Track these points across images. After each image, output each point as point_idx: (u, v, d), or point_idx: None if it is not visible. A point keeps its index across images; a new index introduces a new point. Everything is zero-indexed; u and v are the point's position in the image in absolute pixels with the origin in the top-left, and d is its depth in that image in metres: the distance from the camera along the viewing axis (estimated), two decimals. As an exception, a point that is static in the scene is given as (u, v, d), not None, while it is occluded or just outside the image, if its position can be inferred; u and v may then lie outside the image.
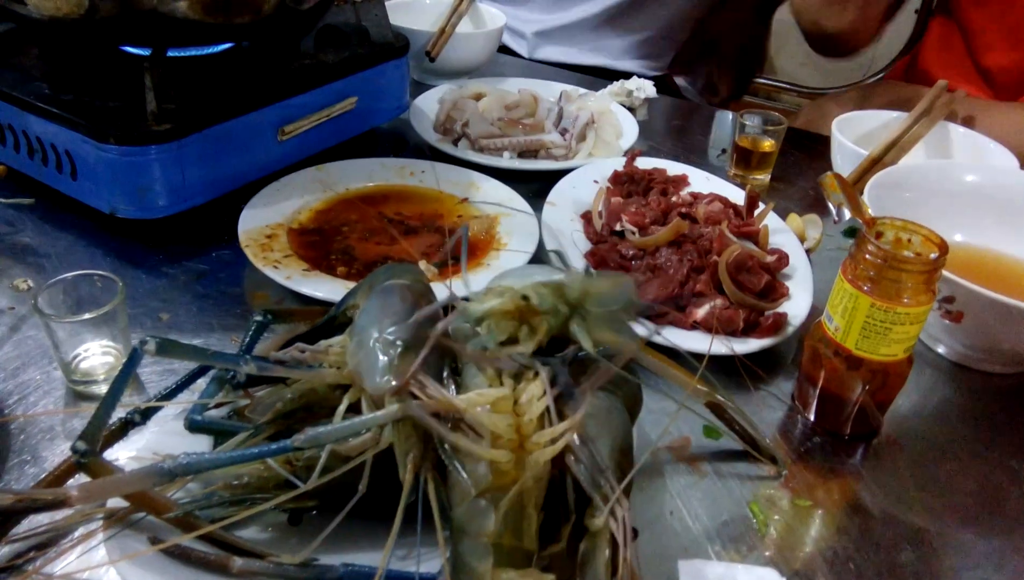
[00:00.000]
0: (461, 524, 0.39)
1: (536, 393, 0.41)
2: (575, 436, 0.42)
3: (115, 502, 0.43)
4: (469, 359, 0.44)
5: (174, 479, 0.40)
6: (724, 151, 0.98)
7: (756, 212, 0.75)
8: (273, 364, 0.47)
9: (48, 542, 0.45)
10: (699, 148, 1.00)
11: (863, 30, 1.03)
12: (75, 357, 0.56)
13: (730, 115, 1.02)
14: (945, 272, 0.57)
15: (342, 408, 0.44)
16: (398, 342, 0.44)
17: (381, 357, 0.44)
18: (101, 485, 0.41)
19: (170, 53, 0.74)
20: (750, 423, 0.55)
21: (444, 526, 0.39)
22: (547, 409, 0.41)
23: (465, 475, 0.39)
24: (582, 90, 1.03)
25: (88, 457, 0.42)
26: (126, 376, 0.45)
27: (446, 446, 0.40)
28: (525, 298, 0.43)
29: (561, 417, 0.41)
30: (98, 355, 0.57)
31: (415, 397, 0.40)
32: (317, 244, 0.72)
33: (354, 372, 0.45)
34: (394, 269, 0.53)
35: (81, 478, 0.45)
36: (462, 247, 0.54)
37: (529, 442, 0.39)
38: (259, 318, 0.53)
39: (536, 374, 0.42)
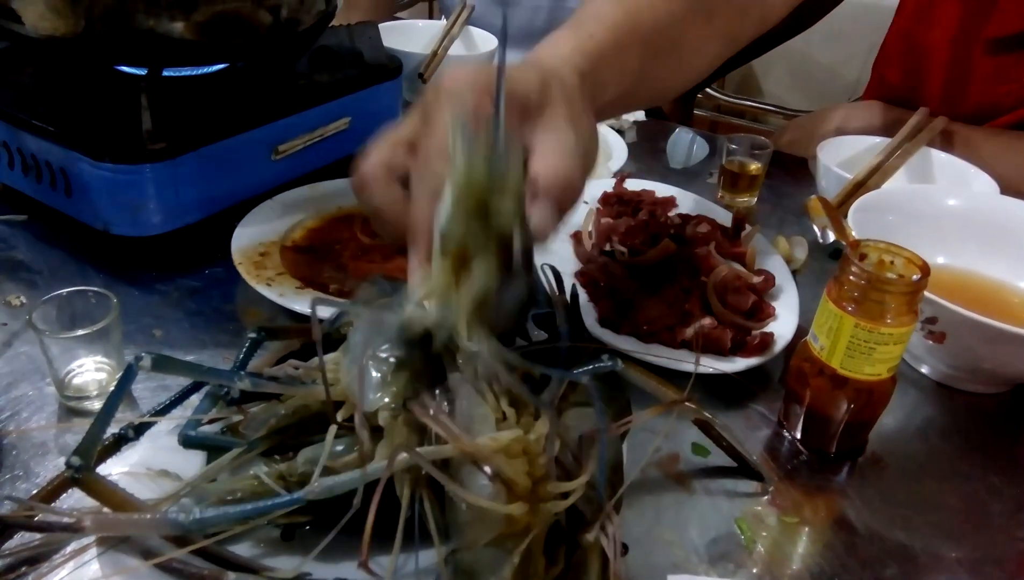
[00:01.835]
0: (470, 568, 0.38)
1: (542, 431, 0.41)
2: (568, 453, 0.42)
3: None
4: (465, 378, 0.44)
5: (183, 532, 0.40)
6: (712, 174, 1.00)
7: (743, 233, 0.77)
8: (267, 380, 0.47)
9: (40, 556, 0.45)
10: (686, 170, 1.02)
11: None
12: (68, 373, 0.56)
13: (689, 133, 1.04)
14: (927, 293, 0.58)
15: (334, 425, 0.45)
16: (391, 359, 0.45)
17: (374, 374, 0.44)
18: (115, 520, 0.41)
19: (166, 73, 0.75)
20: (736, 440, 0.56)
21: (441, 542, 0.39)
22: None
23: (467, 507, 0.39)
24: (571, 112, 1.04)
25: (82, 472, 0.42)
26: (121, 392, 0.45)
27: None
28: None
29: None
30: (91, 371, 0.57)
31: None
32: (310, 262, 0.72)
33: (347, 389, 0.45)
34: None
35: (74, 493, 0.45)
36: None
37: (543, 488, 0.38)
38: (253, 335, 0.53)
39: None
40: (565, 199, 0.47)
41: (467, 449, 0.38)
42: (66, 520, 0.40)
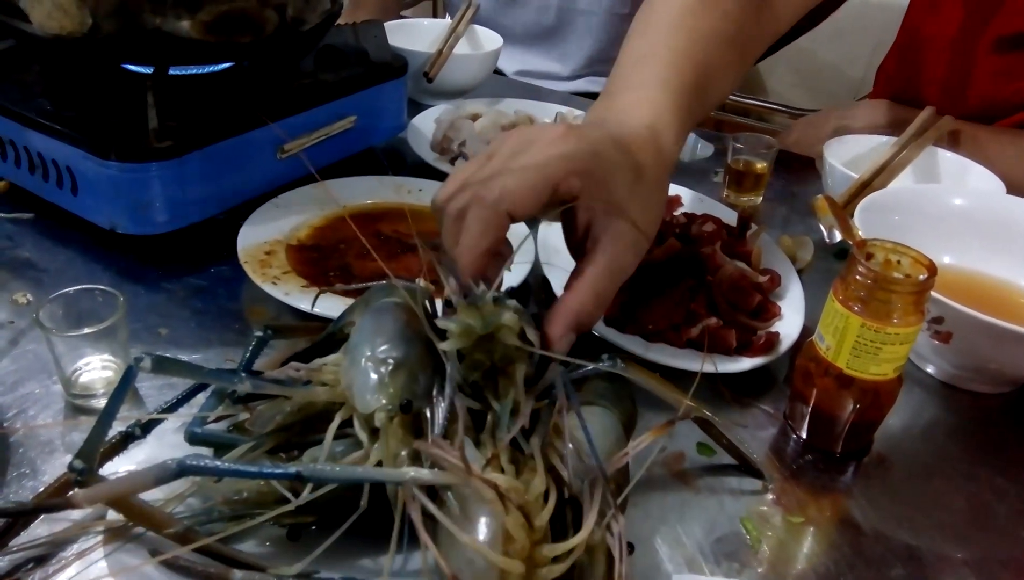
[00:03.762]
0: None
1: (540, 489, 0.40)
2: (573, 450, 0.42)
3: (115, 517, 0.43)
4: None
5: (178, 476, 0.40)
6: (717, 173, 1.00)
7: (748, 233, 0.76)
8: (268, 382, 0.47)
9: (47, 555, 0.45)
10: (692, 169, 1.02)
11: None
12: (75, 371, 0.56)
13: (693, 137, 1.05)
14: (934, 293, 0.58)
15: (334, 425, 0.45)
16: (389, 360, 0.45)
17: (372, 375, 0.45)
18: (106, 487, 0.41)
19: (172, 71, 0.75)
20: (737, 438, 0.56)
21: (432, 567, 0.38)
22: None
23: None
24: (577, 112, 1.04)
25: (85, 475, 0.42)
26: (122, 393, 0.45)
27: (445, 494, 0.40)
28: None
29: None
30: (98, 369, 0.57)
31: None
32: (315, 261, 0.73)
33: (346, 390, 0.46)
34: (390, 287, 0.53)
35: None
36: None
37: (539, 552, 0.38)
38: (260, 334, 0.53)
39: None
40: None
41: (478, 490, 0.38)
42: (57, 501, 0.40)
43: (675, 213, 0.81)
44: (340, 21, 0.88)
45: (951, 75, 1.02)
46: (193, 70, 0.79)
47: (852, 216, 0.71)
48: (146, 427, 0.49)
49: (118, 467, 0.48)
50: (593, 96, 1.27)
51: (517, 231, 0.76)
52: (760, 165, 0.91)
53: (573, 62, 1.39)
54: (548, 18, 1.36)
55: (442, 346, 0.44)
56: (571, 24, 1.36)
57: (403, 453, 0.42)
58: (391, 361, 0.45)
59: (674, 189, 0.87)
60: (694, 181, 0.94)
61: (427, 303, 0.52)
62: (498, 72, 1.36)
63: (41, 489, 0.47)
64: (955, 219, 0.77)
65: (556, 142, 0.50)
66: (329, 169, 0.84)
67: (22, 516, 0.45)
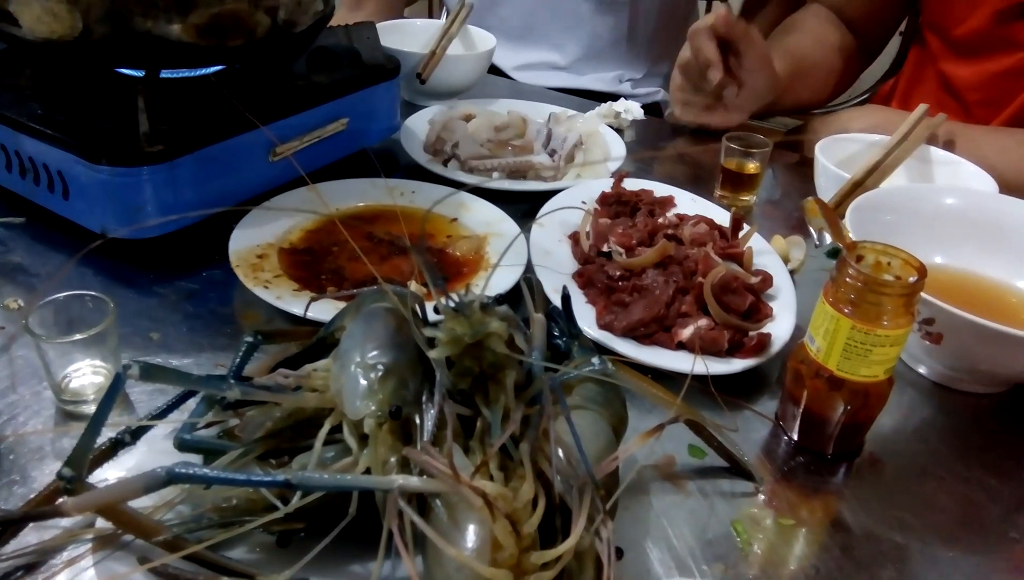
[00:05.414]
0: None
1: (529, 496, 0.40)
2: (561, 454, 0.42)
3: (104, 525, 0.43)
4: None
5: (167, 484, 0.39)
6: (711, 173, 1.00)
7: (741, 234, 0.76)
8: (257, 389, 0.47)
9: (36, 563, 0.45)
10: (685, 170, 1.02)
11: (819, 100, 1.22)
12: (65, 377, 0.56)
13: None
14: (925, 294, 0.58)
15: (323, 431, 0.45)
16: (379, 366, 0.45)
17: (361, 381, 0.44)
18: (95, 495, 0.41)
19: (163, 75, 0.75)
20: (728, 440, 0.56)
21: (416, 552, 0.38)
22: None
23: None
24: (570, 112, 1.04)
25: (74, 483, 0.42)
26: (110, 401, 0.45)
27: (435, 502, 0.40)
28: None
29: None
30: (88, 375, 0.57)
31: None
32: (308, 264, 0.72)
33: (335, 396, 0.45)
34: (382, 291, 0.53)
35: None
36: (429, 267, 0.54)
37: (527, 559, 0.38)
38: (250, 339, 0.53)
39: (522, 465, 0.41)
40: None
41: (465, 496, 0.38)
42: (46, 509, 0.40)
43: (667, 214, 0.81)
44: (337, 20, 0.88)
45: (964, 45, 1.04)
46: (184, 73, 0.79)
47: (845, 216, 0.71)
48: (136, 434, 0.48)
49: (108, 474, 0.48)
50: (597, 95, 1.26)
51: (509, 232, 0.77)
52: (753, 165, 0.91)
53: (572, 51, 1.37)
54: (543, 6, 1.34)
55: (430, 354, 0.44)
56: (564, 11, 1.34)
57: (392, 459, 0.42)
58: (381, 367, 0.45)
59: (667, 189, 0.87)
60: (687, 181, 0.94)
61: (418, 307, 0.52)
62: (497, 72, 1.35)
63: (32, 496, 0.47)
64: (947, 219, 0.77)
65: None
66: (322, 171, 0.84)
67: (11, 524, 0.45)
